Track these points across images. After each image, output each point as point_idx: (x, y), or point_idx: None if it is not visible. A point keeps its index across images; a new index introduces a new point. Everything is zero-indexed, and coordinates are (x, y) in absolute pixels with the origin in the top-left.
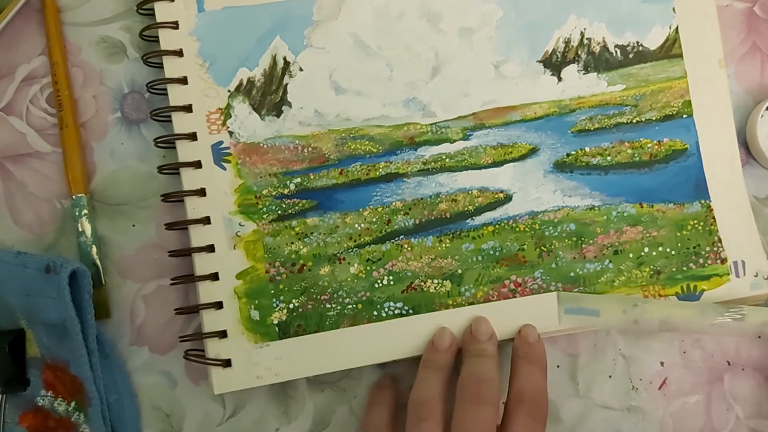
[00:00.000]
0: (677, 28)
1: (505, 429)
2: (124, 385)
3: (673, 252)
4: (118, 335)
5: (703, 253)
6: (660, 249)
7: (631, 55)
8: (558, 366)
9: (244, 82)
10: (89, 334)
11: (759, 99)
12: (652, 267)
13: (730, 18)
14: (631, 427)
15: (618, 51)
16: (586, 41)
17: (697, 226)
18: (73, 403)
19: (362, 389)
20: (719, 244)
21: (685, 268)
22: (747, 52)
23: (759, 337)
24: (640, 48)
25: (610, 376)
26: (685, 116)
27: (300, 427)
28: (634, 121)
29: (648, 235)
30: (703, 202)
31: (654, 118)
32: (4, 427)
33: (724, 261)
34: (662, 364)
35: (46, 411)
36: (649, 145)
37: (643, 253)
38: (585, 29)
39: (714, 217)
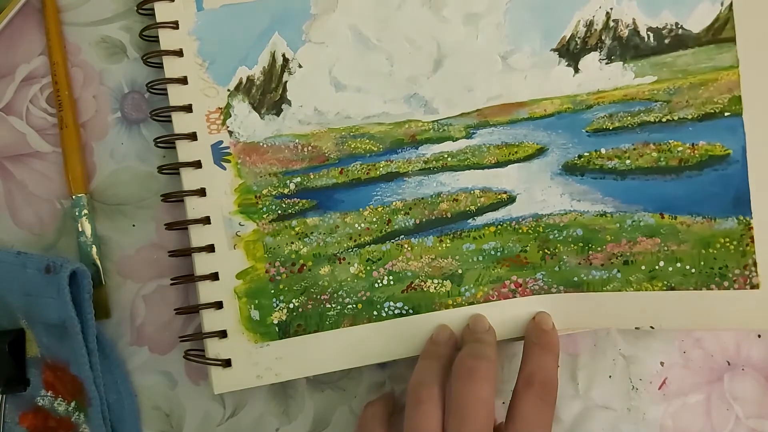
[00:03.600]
0: (731, 4)
1: (514, 409)
2: (124, 385)
3: (693, 270)
4: (118, 335)
5: (729, 275)
6: (678, 265)
7: (667, 40)
8: (558, 366)
9: (244, 81)
10: (89, 334)
11: None
12: (665, 283)
13: None
14: (631, 427)
15: (651, 35)
16: (612, 24)
17: (728, 244)
18: (73, 403)
19: (362, 389)
20: (753, 268)
21: (704, 289)
22: None
23: (759, 336)
24: (680, 31)
25: (610, 376)
26: (730, 115)
27: (300, 427)
28: (664, 119)
29: (666, 248)
30: (740, 218)
31: (689, 117)
32: (4, 427)
33: (754, 287)
34: (662, 364)
35: (46, 411)
36: (680, 148)
37: (657, 267)
38: (611, 9)
39: (752, 237)
